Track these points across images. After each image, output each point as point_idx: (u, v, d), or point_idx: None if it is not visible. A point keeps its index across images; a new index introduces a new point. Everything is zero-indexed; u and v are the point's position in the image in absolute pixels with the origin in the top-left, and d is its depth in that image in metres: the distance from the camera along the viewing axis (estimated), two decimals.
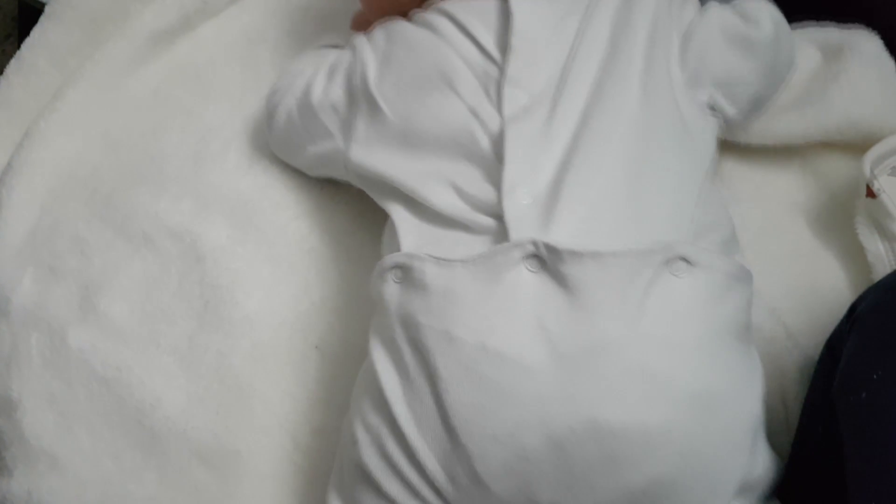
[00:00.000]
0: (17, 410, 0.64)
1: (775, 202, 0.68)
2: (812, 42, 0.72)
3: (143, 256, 0.68)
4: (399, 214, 0.57)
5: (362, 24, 0.68)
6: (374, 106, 0.61)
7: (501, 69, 0.57)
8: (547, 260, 0.50)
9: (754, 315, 0.56)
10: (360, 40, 0.65)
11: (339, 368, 0.64)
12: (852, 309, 0.53)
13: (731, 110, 0.61)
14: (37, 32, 0.77)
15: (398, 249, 0.55)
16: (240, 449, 0.62)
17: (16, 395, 0.64)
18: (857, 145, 0.67)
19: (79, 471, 0.62)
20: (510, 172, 0.54)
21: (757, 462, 0.52)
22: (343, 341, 0.65)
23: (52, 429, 0.63)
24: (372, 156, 0.60)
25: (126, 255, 0.69)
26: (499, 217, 0.53)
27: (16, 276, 0.69)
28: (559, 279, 0.50)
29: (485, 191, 0.54)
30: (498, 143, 0.55)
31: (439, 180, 0.56)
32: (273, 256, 0.68)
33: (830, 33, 0.72)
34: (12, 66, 0.77)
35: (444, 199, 0.55)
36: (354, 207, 0.69)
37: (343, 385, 0.62)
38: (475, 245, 0.53)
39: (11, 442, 0.63)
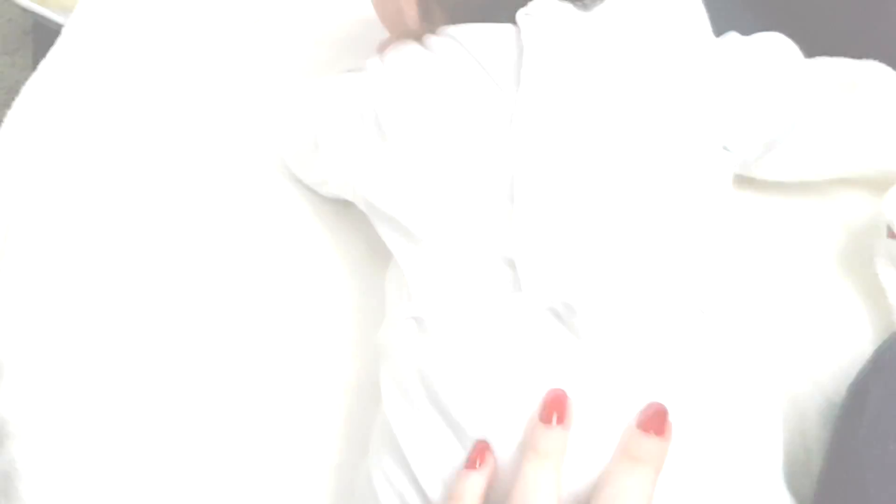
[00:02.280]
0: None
1: (793, 241, 0.68)
2: (826, 76, 0.71)
3: None
4: (407, 262, 0.56)
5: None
6: (380, 133, 0.59)
7: (515, 108, 0.55)
8: (560, 310, 0.50)
9: (772, 357, 0.56)
10: (374, 63, 0.63)
11: (357, 403, 0.63)
12: (878, 355, 0.52)
13: (745, 152, 0.60)
14: (53, 53, 0.77)
15: (408, 298, 0.54)
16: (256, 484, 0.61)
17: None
18: (875, 182, 0.67)
19: None
20: (523, 221, 0.52)
21: None
22: (361, 375, 0.64)
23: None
24: (380, 186, 0.59)
25: None
26: (511, 266, 0.52)
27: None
28: (573, 329, 0.49)
29: (497, 239, 0.53)
30: (511, 188, 0.54)
31: (451, 224, 0.55)
32: (289, 285, 0.67)
33: (844, 67, 0.72)
34: (28, 84, 0.76)
35: (456, 246, 0.54)
36: (373, 235, 0.67)
37: (362, 420, 0.61)
38: (487, 295, 0.52)
39: None
